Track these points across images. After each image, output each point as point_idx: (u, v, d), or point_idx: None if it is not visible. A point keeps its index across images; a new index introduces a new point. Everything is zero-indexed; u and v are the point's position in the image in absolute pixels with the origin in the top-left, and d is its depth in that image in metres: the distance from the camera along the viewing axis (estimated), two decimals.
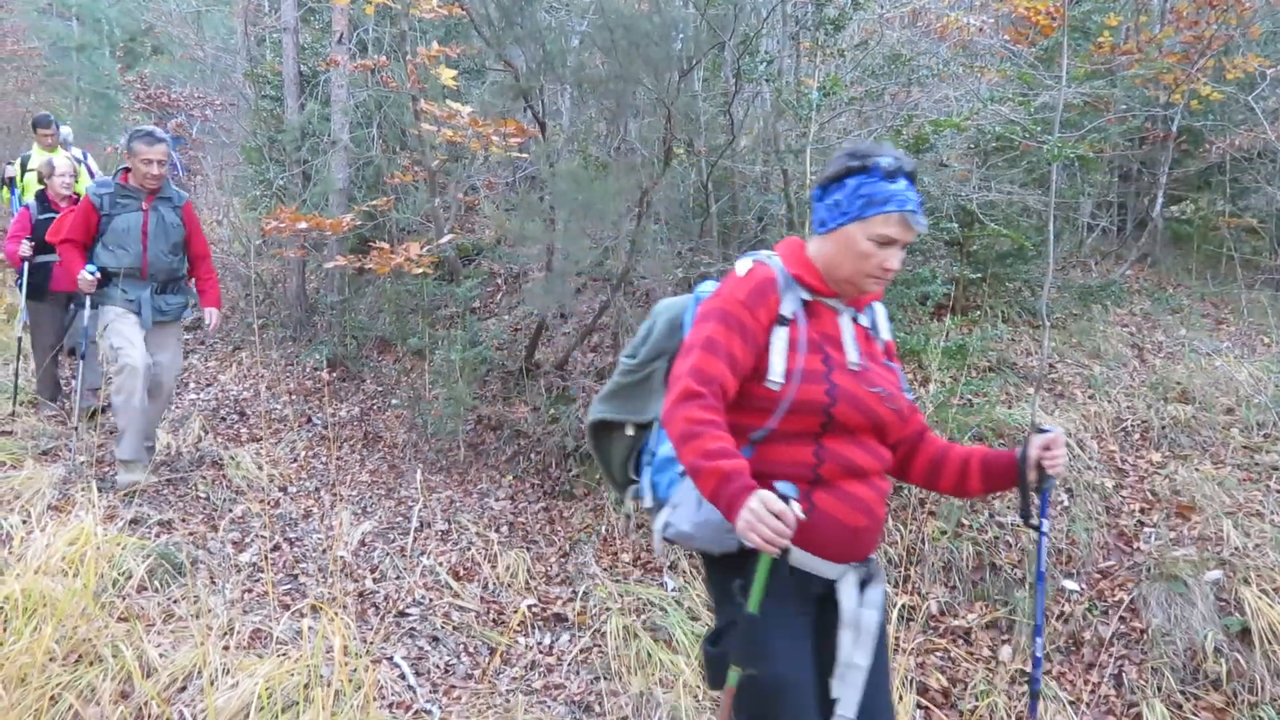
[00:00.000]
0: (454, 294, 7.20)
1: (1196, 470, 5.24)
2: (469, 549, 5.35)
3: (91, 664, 3.45)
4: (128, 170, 5.58)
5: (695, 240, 7.20)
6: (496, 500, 6.08)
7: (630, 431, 2.64)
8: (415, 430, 6.84)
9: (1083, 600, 4.54)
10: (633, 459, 2.67)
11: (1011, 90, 6.38)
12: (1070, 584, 4.66)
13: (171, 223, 5.66)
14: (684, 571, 5.04)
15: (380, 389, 7.74)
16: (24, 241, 6.77)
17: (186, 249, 5.83)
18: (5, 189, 8.22)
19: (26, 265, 6.78)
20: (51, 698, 3.20)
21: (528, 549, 5.44)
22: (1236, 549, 4.50)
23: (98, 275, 5.46)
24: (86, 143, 14.70)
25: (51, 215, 6.74)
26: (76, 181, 7.48)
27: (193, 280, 6.02)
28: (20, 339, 7.24)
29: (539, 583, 5.10)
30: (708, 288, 2.51)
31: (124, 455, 5.60)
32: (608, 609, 4.61)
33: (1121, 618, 4.41)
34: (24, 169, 8.20)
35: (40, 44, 21.37)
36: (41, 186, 7.38)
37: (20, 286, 7.11)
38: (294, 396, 7.66)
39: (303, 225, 6.78)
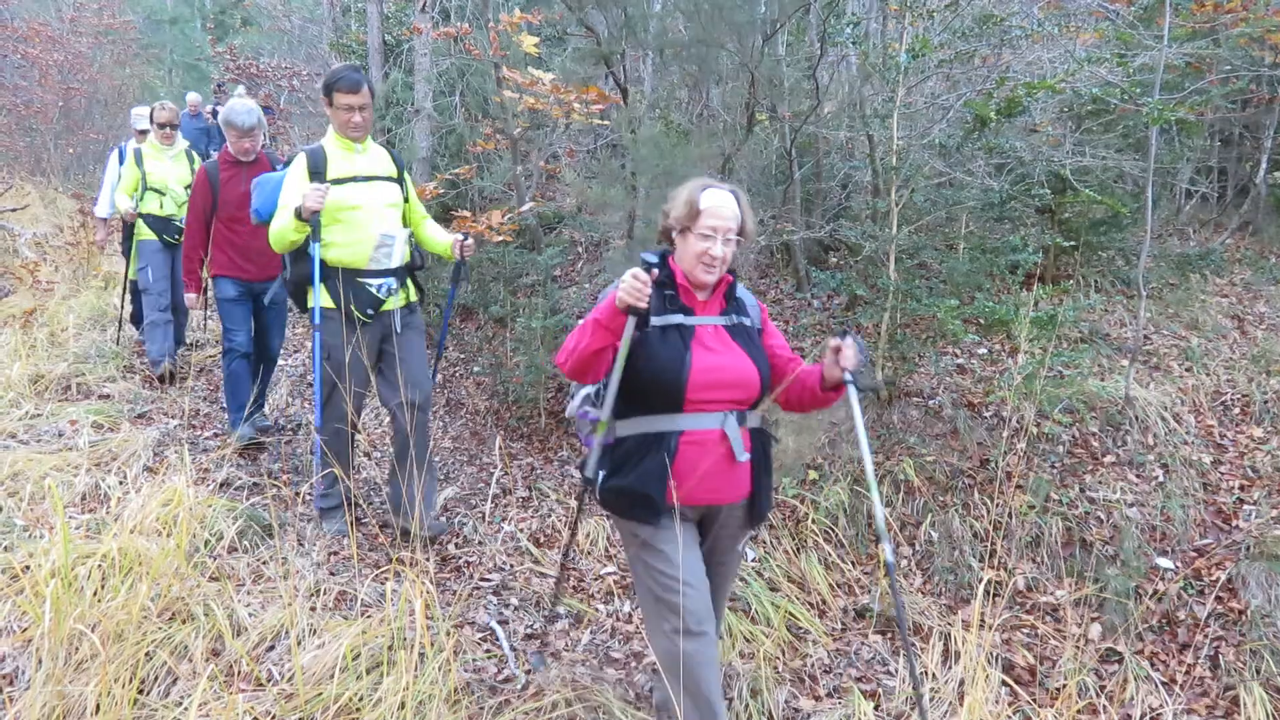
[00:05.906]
0: (535, 262, 7.21)
1: None
2: (549, 516, 5.38)
3: (184, 622, 3.54)
4: None
5: (778, 207, 7.12)
6: (577, 468, 6.09)
7: None
8: (496, 397, 6.89)
9: (1177, 579, 4.40)
10: None
11: (1108, 51, 6.15)
12: (1165, 562, 4.53)
13: None
14: (764, 543, 5.01)
15: (462, 356, 7.81)
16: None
17: None
18: (301, 223, 4.51)
19: None
20: (147, 654, 3.30)
21: (607, 518, 5.45)
22: None
23: None
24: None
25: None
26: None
27: None
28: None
29: (618, 551, 5.11)
30: None
31: None
32: None
33: (1218, 597, 4.27)
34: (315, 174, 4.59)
35: (134, 17, 21.95)
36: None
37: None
38: None
39: None
